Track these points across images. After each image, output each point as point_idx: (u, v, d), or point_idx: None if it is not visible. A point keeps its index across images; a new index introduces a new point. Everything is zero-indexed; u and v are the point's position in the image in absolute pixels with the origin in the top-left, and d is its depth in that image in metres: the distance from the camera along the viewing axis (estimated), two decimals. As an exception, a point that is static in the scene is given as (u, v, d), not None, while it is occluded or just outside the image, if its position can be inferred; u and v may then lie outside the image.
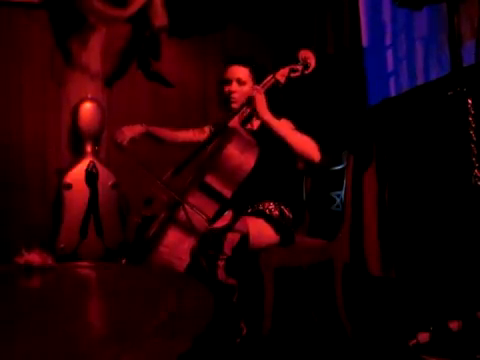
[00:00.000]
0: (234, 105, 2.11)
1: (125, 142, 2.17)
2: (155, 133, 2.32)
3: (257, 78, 2.12)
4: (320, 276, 2.27)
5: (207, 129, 2.37)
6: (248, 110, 2.08)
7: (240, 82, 2.12)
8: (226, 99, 2.14)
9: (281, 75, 2.07)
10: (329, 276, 2.09)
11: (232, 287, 1.77)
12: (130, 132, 2.21)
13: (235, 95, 2.11)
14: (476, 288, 1.96)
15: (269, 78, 2.07)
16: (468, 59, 2.26)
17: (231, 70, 2.14)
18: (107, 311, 1.22)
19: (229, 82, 2.13)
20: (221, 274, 1.76)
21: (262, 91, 1.99)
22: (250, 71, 2.14)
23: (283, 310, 2.18)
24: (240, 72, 2.13)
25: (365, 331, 2.14)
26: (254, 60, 2.22)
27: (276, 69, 2.09)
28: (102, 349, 0.91)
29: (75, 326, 1.04)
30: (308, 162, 1.99)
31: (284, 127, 1.98)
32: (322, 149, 1.97)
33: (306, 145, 1.96)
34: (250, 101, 1.98)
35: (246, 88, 2.11)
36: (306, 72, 2.11)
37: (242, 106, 2.06)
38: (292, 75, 2.10)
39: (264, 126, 2.02)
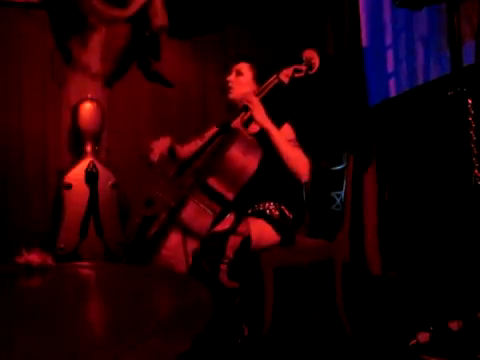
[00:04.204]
0: (230, 95, 2.18)
1: (156, 159, 2.16)
2: (174, 148, 2.29)
3: (260, 78, 2.13)
4: (320, 276, 2.28)
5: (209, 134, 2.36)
6: (249, 113, 2.08)
7: (238, 73, 2.18)
8: (224, 89, 2.20)
9: (285, 75, 2.06)
10: (329, 276, 2.09)
11: (234, 290, 1.77)
12: (159, 148, 2.19)
13: (231, 84, 2.18)
14: (476, 288, 1.96)
15: (272, 78, 2.07)
16: (468, 59, 2.26)
17: (234, 65, 2.21)
18: (107, 311, 1.22)
19: (229, 74, 2.20)
20: (223, 277, 1.76)
21: (257, 99, 1.99)
22: (251, 66, 2.18)
23: (283, 310, 2.18)
24: (240, 65, 2.20)
25: (365, 331, 2.14)
26: (257, 60, 2.25)
27: (278, 69, 2.08)
28: (102, 349, 0.91)
29: (75, 326, 1.04)
30: (295, 178, 1.99)
31: (281, 138, 1.97)
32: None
33: (298, 162, 1.97)
34: (246, 108, 1.99)
35: (244, 80, 2.16)
36: (310, 72, 2.10)
37: (240, 110, 2.05)
38: (296, 75, 2.09)
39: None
